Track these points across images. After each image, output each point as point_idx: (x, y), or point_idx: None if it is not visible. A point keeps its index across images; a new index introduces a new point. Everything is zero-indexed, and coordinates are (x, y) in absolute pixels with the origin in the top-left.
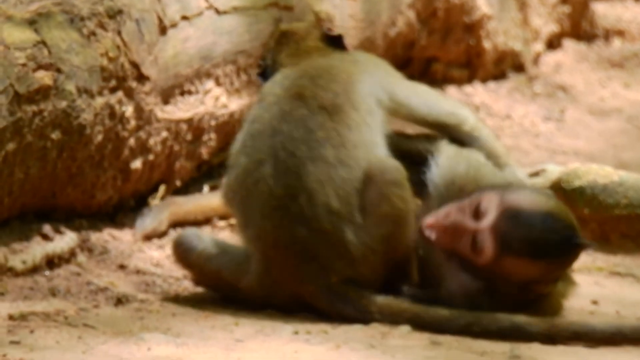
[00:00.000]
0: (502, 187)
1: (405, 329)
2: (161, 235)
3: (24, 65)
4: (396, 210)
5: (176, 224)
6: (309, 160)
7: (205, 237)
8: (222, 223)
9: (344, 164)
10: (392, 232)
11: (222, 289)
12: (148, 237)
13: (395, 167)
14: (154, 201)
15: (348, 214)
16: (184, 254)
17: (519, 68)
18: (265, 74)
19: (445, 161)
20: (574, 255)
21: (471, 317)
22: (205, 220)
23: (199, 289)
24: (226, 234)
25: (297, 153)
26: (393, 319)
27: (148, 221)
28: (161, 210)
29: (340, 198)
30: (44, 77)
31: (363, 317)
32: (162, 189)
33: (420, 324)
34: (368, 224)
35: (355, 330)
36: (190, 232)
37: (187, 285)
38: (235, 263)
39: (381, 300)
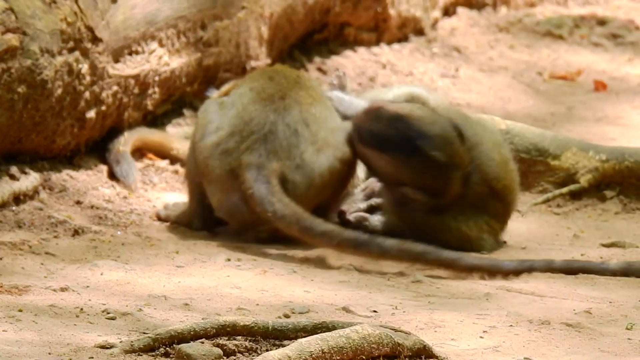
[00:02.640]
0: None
1: (322, 256)
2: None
3: None
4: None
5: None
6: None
7: None
8: (163, 164)
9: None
10: None
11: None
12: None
13: None
14: (123, 148)
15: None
16: None
17: (420, 32)
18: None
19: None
20: (415, 157)
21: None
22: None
23: (145, 222)
24: (168, 175)
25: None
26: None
27: (132, 171)
28: (128, 154)
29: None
30: (12, 39)
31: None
32: (126, 135)
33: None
34: None
35: (280, 258)
36: None
37: (134, 219)
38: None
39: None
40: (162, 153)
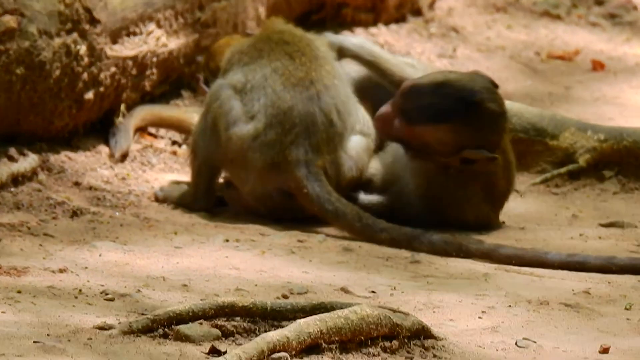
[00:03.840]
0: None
1: (321, 237)
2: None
3: None
4: None
5: (142, 127)
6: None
7: None
8: (161, 145)
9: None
10: None
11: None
12: (125, 155)
13: None
14: (118, 119)
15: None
16: None
17: (417, 12)
18: (207, 81)
19: None
20: (474, 114)
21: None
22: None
23: (144, 203)
24: (166, 156)
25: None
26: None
27: (122, 141)
28: (127, 128)
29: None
30: (10, 21)
31: None
32: (122, 107)
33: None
34: None
35: (279, 238)
36: None
37: (133, 200)
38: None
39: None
40: (181, 128)
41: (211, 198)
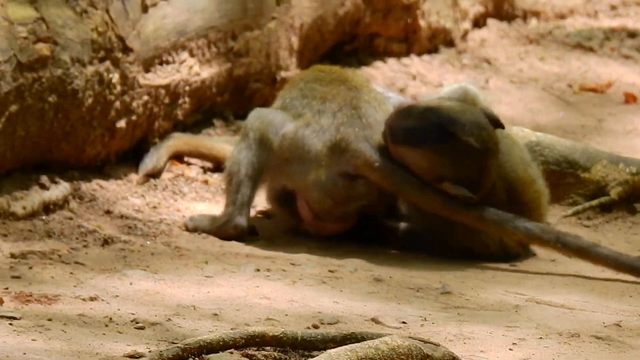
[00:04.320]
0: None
1: (352, 267)
2: (159, 171)
3: (25, 38)
4: None
5: (175, 155)
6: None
7: None
8: (193, 174)
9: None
10: None
11: None
12: (149, 176)
13: None
14: (156, 141)
15: None
16: None
17: (450, 43)
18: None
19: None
20: (447, 144)
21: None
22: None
23: (175, 232)
24: (197, 185)
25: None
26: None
27: (147, 161)
28: (158, 148)
29: None
30: (43, 49)
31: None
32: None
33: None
34: None
35: (310, 268)
36: None
37: (164, 229)
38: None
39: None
40: (213, 158)
41: (248, 215)
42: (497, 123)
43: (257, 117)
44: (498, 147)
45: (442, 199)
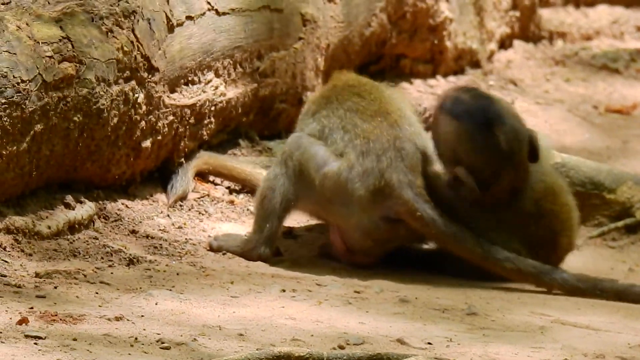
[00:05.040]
0: None
1: (377, 288)
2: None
3: (50, 57)
4: None
5: (202, 173)
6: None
7: None
8: (218, 194)
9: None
10: None
11: None
12: (179, 199)
13: None
14: (182, 161)
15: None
16: None
17: (476, 64)
18: None
19: None
20: (479, 130)
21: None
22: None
23: (200, 252)
24: (223, 205)
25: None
26: None
27: (177, 185)
28: (186, 171)
29: None
30: (68, 68)
31: None
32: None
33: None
34: None
35: (336, 289)
36: None
37: (189, 249)
38: None
39: None
40: (238, 178)
41: (273, 245)
42: (534, 153)
43: (297, 146)
44: (520, 165)
45: (482, 252)
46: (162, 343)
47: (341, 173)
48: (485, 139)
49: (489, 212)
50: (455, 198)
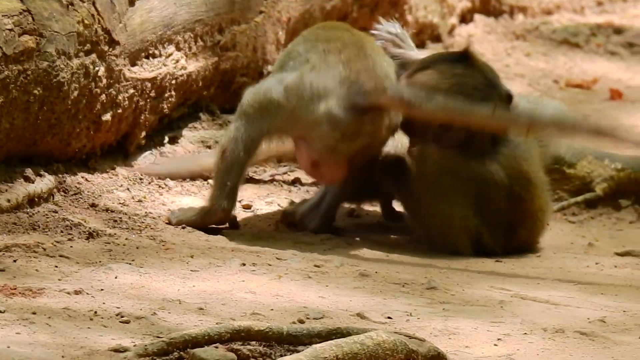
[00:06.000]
0: None
1: (338, 262)
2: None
3: (11, 30)
4: None
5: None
6: None
7: None
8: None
9: None
10: None
11: None
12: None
13: None
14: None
15: None
16: None
17: (437, 38)
18: None
19: None
20: (463, 66)
21: None
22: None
23: (160, 226)
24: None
25: None
26: None
27: (151, 160)
28: (177, 162)
29: None
30: (28, 41)
31: None
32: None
33: None
34: None
35: (295, 263)
36: None
37: (149, 223)
38: None
39: None
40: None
41: (235, 200)
42: (510, 96)
43: (250, 92)
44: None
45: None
46: (122, 317)
47: (303, 76)
48: (465, 68)
49: (457, 179)
50: (427, 159)
